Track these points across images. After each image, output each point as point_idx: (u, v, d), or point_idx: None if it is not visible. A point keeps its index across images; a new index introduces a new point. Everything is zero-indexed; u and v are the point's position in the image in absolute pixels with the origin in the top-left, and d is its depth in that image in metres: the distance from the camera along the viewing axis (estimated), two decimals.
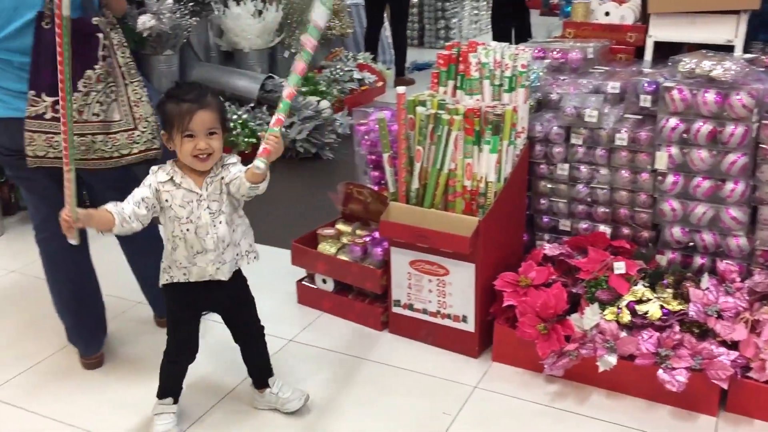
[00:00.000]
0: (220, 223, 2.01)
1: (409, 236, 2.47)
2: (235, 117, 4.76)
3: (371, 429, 2.19)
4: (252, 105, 4.99)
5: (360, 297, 2.77)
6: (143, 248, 2.54)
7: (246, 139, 4.65)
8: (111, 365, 2.51)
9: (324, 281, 2.82)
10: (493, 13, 7.14)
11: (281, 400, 2.24)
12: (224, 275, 2.06)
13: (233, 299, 2.17)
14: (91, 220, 1.95)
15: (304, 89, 5.44)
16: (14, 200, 3.79)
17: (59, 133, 2.07)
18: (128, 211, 1.97)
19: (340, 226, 2.93)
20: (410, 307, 2.60)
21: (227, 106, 4.92)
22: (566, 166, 2.62)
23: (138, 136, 2.21)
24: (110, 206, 1.97)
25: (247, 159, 4.80)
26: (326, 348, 2.60)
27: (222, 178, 2.00)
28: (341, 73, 5.91)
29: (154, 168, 2.02)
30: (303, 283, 2.90)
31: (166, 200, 1.99)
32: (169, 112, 1.95)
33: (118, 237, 2.52)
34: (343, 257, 2.76)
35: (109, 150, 2.17)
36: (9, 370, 2.47)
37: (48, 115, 2.08)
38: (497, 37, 6.61)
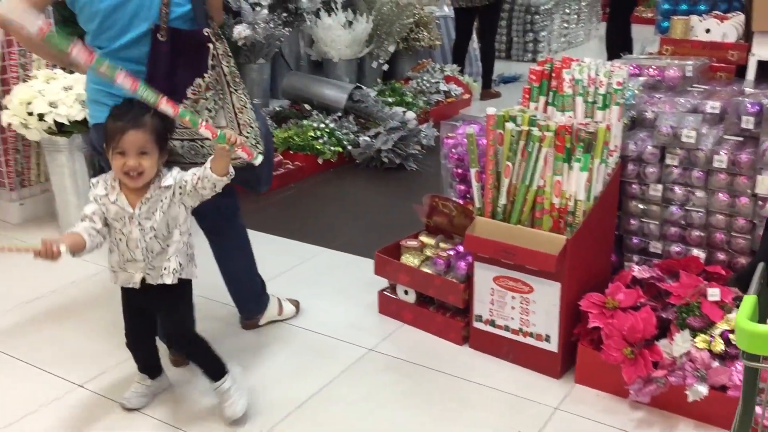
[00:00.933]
0: (150, 238, 2.10)
1: (495, 252, 2.45)
2: (322, 126, 4.85)
3: None
4: (339, 114, 5.07)
5: (441, 310, 2.77)
6: (232, 250, 2.63)
7: (332, 148, 4.73)
8: None
9: (406, 292, 2.84)
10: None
11: (223, 403, 2.28)
12: (153, 280, 2.15)
13: (162, 308, 2.24)
14: (67, 244, 1.95)
15: (390, 100, 5.50)
16: None
17: (172, 139, 2.18)
18: (87, 229, 2.04)
19: (424, 239, 2.94)
20: (492, 323, 2.57)
21: (315, 114, 5.01)
22: (660, 186, 2.55)
23: (242, 141, 2.28)
24: (75, 228, 2.04)
25: (331, 166, 4.82)
26: (406, 359, 2.61)
27: (162, 199, 2.07)
28: (428, 85, 5.94)
29: (93, 181, 2.11)
30: (385, 293, 2.92)
31: (104, 211, 2.08)
32: (106, 128, 2.04)
33: (208, 239, 2.62)
34: (426, 269, 2.77)
35: None
36: (102, 363, 2.58)
37: None
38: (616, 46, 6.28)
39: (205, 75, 2.20)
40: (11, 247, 1.91)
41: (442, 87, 6.01)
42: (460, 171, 2.97)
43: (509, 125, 2.41)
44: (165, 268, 2.15)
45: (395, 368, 2.56)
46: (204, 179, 2.07)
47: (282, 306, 2.85)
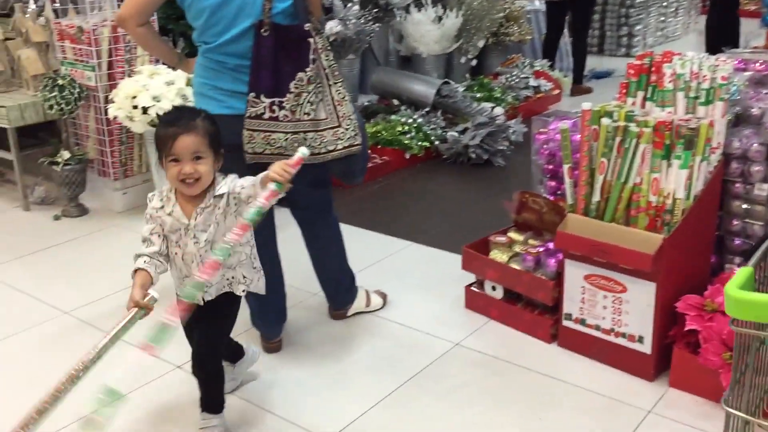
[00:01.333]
0: (206, 252, 1.98)
1: (587, 249, 2.41)
2: (410, 121, 4.87)
3: None
4: (427, 109, 5.08)
5: (529, 307, 2.74)
6: (325, 242, 2.68)
7: (419, 143, 4.75)
8: (288, 350, 2.66)
9: (493, 288, 2.82)
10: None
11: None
12: (210, 296, 2.06)
13: (204, 321, 2.08)
14: (138, 289, 1.91)
15: (478, 95, 5.47)
16: None
17: (276, 131, 2.25)
18: (151, 260, 1.97)
19: (513, 235, 2.91)
20: (582, 321, 2.53)
21: (403, 109, 5.04)
22: (766, 186, 2.43)
23: (342, 132, 2.33)
24: (139, 263, 1.96)
25: (418, 161, 4.82)
26: (492, 355, 2.60)
27: (216, 211, 1.97)
28: (517, 80, 5.87)
29: (150, 195, 2.03)
30: (472, 288, 2.91)
31: (161, 225, 2.00)
32: (157, 136, 1.97)
33: (302, 229, 2.68)
34: (514, 266, 2.74)
35: (318, 146, 2.30)
36: None
37: (266, 115, 2.26)
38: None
39: (307, 69, 2.25)
40: (122, 332, 1.85)
41: (532, 82, 5.92)
42: (551, 167, 2.92)
43: (605, 121, 2.36)
44: (231, 277, 2.08)
45: (482, 364, 2.56)
46: (252, 198, 1.97)
47: (370, 298, 2.89)
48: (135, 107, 3.54)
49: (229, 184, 2.00)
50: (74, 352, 1.84)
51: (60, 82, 3.78)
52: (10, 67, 4.29)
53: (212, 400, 2.19)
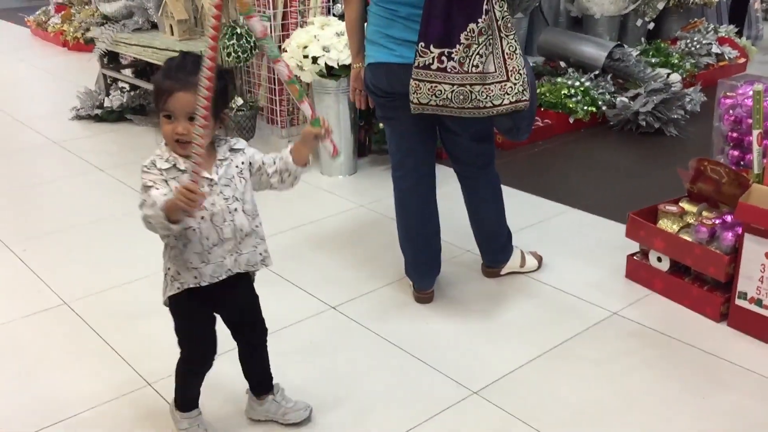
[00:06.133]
0: (236, 210, 1.76)
1: None
2: (577, 84, 4.67)
3: (702, 422, 2.03)
4: (596, 73, 4.85)
5: (698, 282, 2.57)
6: (484, 197, 2.64)
7: (585, 108, 4.55)
8: (439, 303, 2.66)
9: (659, 259, 2.66)
10: None
11: (283, 409, 2.03)
12: (240, 267, 1.82)
13: (242, 299, 1.92)
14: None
15: (653, 60, 5.14)
16: (368, 143, 4.19)
17: (443, 83, 2.21)
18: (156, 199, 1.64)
19: (685, 205, 2.73)
20: (758, 302, 2.33)
21: (570, 72, 4.84)
22: None
23: (510, 87, 2.26)
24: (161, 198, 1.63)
25: (582, 126, 4.63)
26: (653, 328, 2.46)
27: (236, 164, 1.77)
28: (698, 46, 5.45)
29: (146, 163, 1.70)
30: (634, 258, 2.77)
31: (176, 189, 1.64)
32: (154, 85, 1.71)
33: (462, 183, 2.66)
34: (685, 237, 2.57)
35: (484, 100, 2.24)
36: (353, 290, 2.75)
37: (434, 66, 2.21)
38: None
39: (479, 20, 2.17)
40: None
41: (715, 49, 5.48)
42: (735, 134, 2.69)
43: None
44: (264, 251, 1.86)
45: (641, 335, 2.43)
46: (285, 173, 1.81)
47: (525, 258, 2.82)
48: (305, 57, 3.65)
49: (245, 145, 1.82)
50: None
51: (238, 30, 3.97)
52: (193, 16, 4.56)
53: (270, 371, 2.04)
